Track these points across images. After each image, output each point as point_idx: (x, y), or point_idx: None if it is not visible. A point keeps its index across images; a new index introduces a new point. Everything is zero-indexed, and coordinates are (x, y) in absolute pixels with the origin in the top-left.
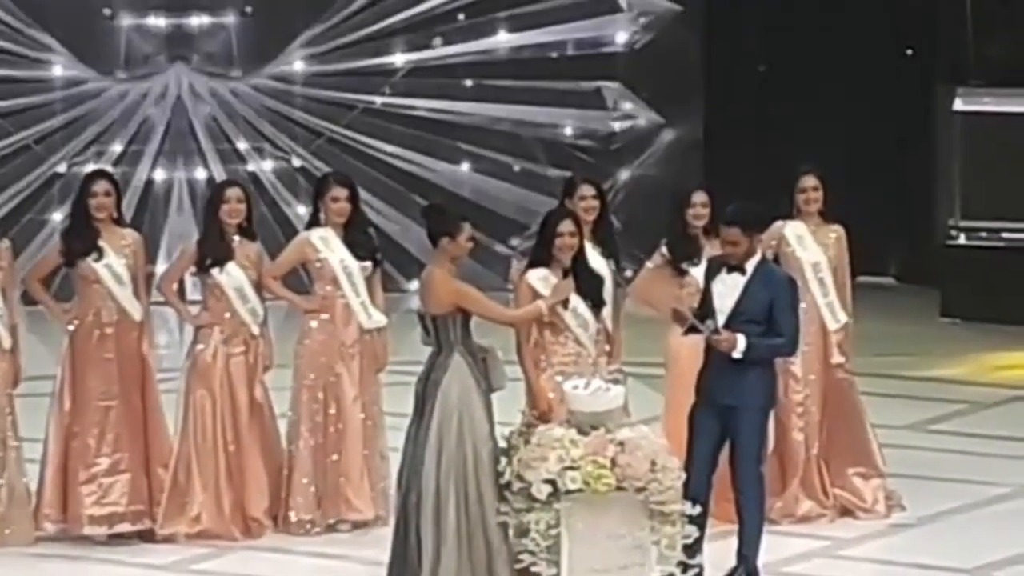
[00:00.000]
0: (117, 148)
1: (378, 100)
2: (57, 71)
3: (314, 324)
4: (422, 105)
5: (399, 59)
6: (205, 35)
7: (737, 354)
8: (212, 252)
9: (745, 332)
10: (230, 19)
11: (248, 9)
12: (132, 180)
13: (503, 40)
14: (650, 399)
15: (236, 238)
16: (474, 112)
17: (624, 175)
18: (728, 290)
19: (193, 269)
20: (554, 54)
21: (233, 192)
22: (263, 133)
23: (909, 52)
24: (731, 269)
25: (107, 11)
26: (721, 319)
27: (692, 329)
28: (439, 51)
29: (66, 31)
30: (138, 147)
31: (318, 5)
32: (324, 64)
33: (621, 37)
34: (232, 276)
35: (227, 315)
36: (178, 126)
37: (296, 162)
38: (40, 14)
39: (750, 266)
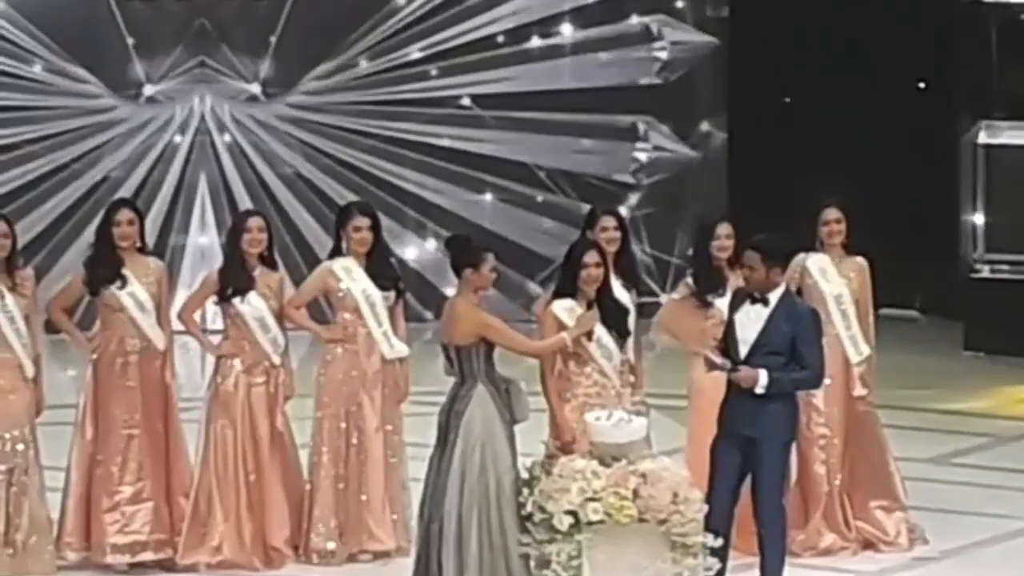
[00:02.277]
0: (141, 173)
1: (403, 130)
2: (83, 99)
3: (336, 354)
4: (446, 134)
5: (424, 88)
6: (230, 60)
7: (760, 389)
8: (233, 282)
9: (767, 364)
10: (255, 45)
11: (273, 38)
12: (154, 206)
13: (529, 71)
14: (673, 431)
15: (257, 268)
16: (498, 142)
17: (648, 206)
18: (751, 321)
19: (214, 299)
20: (580, 86)
21: (254, 221)
22: (285, 159)
23: (922, 85)
24: (754, 300)
25: (130, 41)
26: (744, 350)
27: (715, 367)
28: (467, 82)
29: (91, 57)
30: (161, 173)
31: (342, 33)
32: (348, 92)
33: (647, 69)
34: (253, 306)
35: (248, 345)
36: (201, 152)
37: (318, 187)
38: (65, 39)
39: (773, 298)
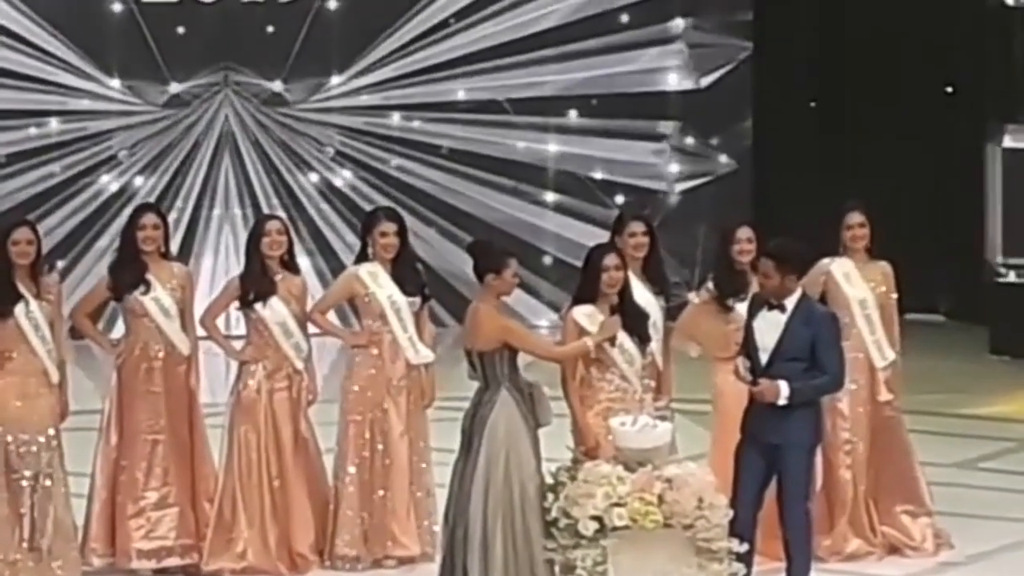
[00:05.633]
0: (167, 175)
1: (428, 131)
2: (108, 102)
3: (361, 359)
4: (474, 138)
5: (450, 91)
6: (255, 61)
7: (782, 400)
8: (255, 286)
9: (788, 370)
10: (282, 46)
11: (300, 38)
12: (182, 210)
13: (558, 77)
14: (697, 436)
15: (279, 272)
16: (527, 147)
17: (675, 211)
18: (769, 328)
19: (236, 304)
20: (608, 91)
21: (273, 225)
22: (308, 160)
23: (949, 90)
24: (771, 307)
25: (154, 44)
26: (763, 357)
27: (741, 377)
28: (492, 85)
29: (115, 56)
30: (186, 174)
31: (369, 35)
32: (377, 95)
33: (674, 75)
34: (275, 311)
35: (270, 350)
36: (225, 154)
37: (344, 190)
38: (88, 40)
39: (790, 303)
